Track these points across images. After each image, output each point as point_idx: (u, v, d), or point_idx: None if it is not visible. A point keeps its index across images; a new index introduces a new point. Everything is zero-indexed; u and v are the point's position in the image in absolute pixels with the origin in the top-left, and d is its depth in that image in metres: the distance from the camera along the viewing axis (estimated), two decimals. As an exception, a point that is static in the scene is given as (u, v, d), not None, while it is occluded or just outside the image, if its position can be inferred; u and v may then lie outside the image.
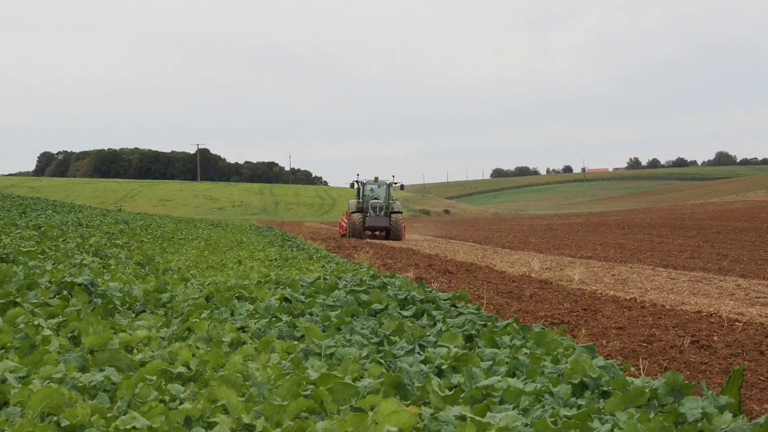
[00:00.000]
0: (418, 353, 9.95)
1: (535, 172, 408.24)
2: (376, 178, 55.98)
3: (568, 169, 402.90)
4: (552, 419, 6.66)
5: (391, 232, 53.36)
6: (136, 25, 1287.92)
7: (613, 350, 12.66)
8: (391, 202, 55.00)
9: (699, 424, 6.65)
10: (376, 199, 54.73)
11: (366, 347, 10.17)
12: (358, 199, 55.41)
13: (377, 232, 55.48)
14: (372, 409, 6.94)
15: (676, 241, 43.38)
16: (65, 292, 13.29)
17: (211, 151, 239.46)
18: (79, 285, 13.44)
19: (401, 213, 55.17)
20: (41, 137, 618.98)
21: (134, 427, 6.30)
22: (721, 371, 11.18)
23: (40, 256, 20.67)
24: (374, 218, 53.27)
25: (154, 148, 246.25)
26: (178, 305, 13.50)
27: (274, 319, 12.07)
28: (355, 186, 56.01)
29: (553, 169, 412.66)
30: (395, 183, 55.95)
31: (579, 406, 7.36)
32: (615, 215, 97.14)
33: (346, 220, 56.15)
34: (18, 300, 12.09)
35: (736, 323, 15.11)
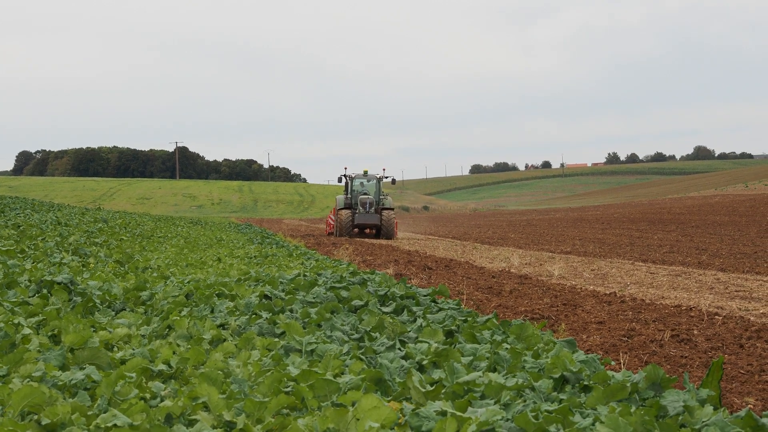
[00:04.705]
0: (399, 349, 9.95)
1: (514, 168, 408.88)
2: (366, 172, 52.77)
3: (546, 165, 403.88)
4: (533, 413, 6.67)
5: (382, 230, 49.70)
6: (113, 23, 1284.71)
7: (593, 345, 12.68)
8: (381, 197, 51.46)
9: (680, 418, 6.67)
10: (365, 194, 51.16)
11: (346, 343, 10.17)
12: (347, 194, 51.98)
13: (367, 230, 52.06)
14: (353, 405, 6.95)
15: (656, 236, 43.52)
16: (45, 291, 13.28)
17: (190, 149, 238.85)
18: (59, 283, 13.42)
19: (393, 209, 51.28)
20: (19, 136, 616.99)
21: (115, 425, 6.29)
22: (702, 365, 11.21)
23: (19, 254, 20.64)
24: (364, 215, 49.69)
25: (132, 147, 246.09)
26: (158, 303, 13.50)
27: (254, 316, 12.06)
28: (343, 180, 52.35)
29: (531, 165, 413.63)
30: (386, 177, 52.87)
31: (560, 401, 7.37)
32: (594, 210, 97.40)
33: (333, 218, 53.49)
34: (-3, 299, 12.06)
35: (716, 317, 15.15)
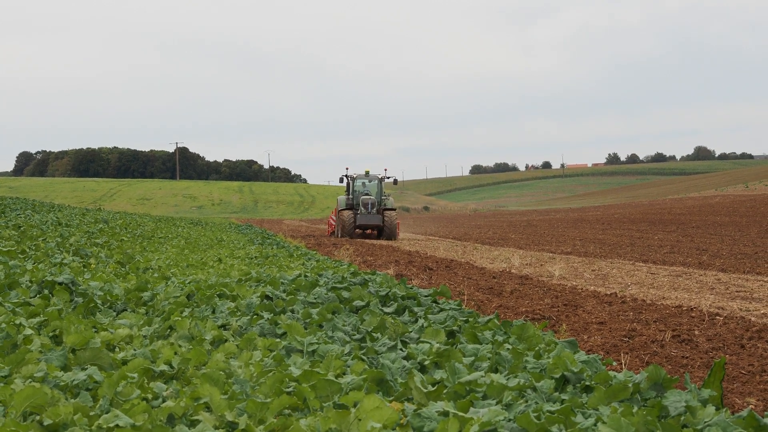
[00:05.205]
0: (401, 349, 9.95)
1: (515, 168, 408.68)
2: (367, 172, 52.29)
3: (547, 165, 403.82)
4: (535, 414, 6.67)
5: (384, 231, 49.33)
6: (114, 24, 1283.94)
7: (594, 345, 12.69)
8: (383, 198, 51.03)
9: (682, 418, 6.67)
10: (367, 195, 50.64)
11: (348, 344, 10.18)
12: (348, 195, 51.42)
13: (368, 231, 51.36)
14: (355, 405, 6.95)
15: (656, 236, 43.52)
16: (46, 291, 13.28)
17: (190, 150, 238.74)
18: (60, 284, 13.42)
19: (395, 210, 51.05)
20: (20, 137, 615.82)
21: (117, 426, 6.29)
22: (703, 365, 11.21)
23: (20, 255, 20.64)
24: (365, 216, 49.18)
25: (132, 147, 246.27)
26: (159, 303, 13.49)
27: (255, 316, 12.06)
28: (345, 181, 51.92)
29: (532, 165, 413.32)
30: (388, 177, 52.25)
31: (562, 401, 7.37)
32: (594, 210, 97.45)
33: (334, 218, 52.94)
34: (-2, 299, 12.06)
35: (717, 317, 15.16)
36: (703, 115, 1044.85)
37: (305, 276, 17.20)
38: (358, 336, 10.76)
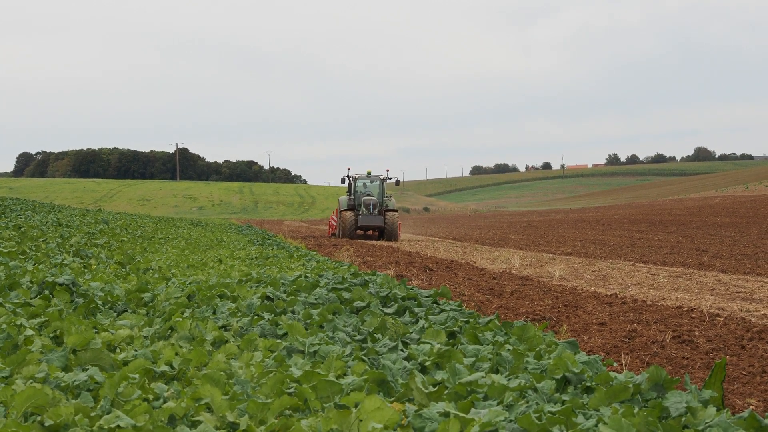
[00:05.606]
0: (401, 350, 9.95)
1: (515, 169, 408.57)
2: (369, 173, 51.74)
3: (547, 166, 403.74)
4: (536, 415, 6.67)
5: (385, 232, 48.74)
6: (113, 23, 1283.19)
7: (594, 346, 12.68)
8: (385, 198, 50.51)
9: (683, 419, 6.67)
10: (369, 195, 50.08)
11: (349, 345, 10.19)
12: (350, 195, 50.92)
13: (370, 232, 51.18)
14: (356, 406, 6.95)
15: (656, 237, 43.51)
16: (47, 292, 13.28)
17: (191, 151, 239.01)
18: (61, 285, 13.42)
19: (396, 211, 50.42)
20: (20, 138, 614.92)
21: (118, 426, 6.29)
22: (703, 366, 11.21)
23: (20, 256, 20.64)
24: (367, 216, 48.57)
25: (133, 148, 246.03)
26: (160, 304, 13.50)
27: (256, 317, 12.06)
28: (346, 181, 51.44)
29: (532, 166, 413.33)
30: (390, 178, 51.70)
31: (563, 402, 7.38)
32: (594, 211, 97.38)
33: (335, 219, 52.54)
34: (-1, 300, 12.06)
35: (717, 318, 15.15)
36: (703, 115, 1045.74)
37: (306, 277, 17.21)
38: (359, 337, 10.77)
